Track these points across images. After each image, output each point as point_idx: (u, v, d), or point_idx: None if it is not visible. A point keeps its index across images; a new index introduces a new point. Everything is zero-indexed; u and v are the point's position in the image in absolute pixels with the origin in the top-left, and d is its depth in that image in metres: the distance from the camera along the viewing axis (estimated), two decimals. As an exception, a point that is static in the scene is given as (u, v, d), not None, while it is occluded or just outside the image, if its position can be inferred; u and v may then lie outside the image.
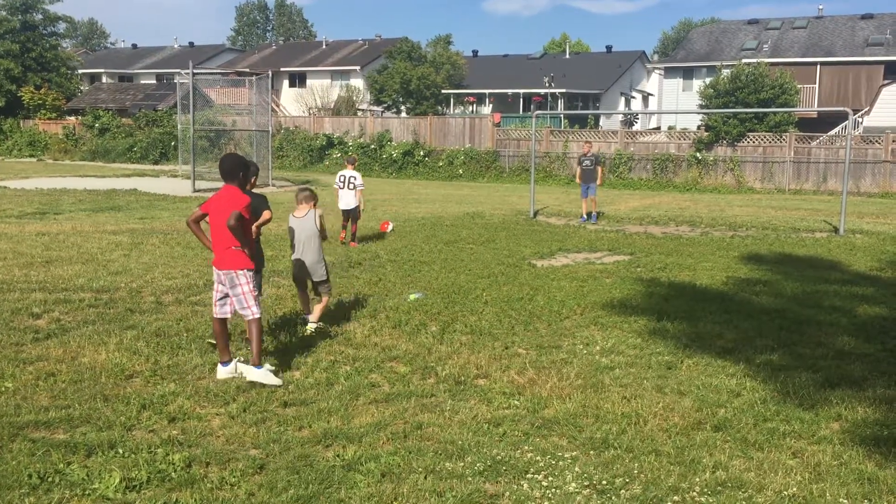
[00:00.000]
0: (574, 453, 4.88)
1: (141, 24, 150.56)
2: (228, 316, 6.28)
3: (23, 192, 21.76)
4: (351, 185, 13.65)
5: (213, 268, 6.27)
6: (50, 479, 4.35)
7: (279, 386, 5.98)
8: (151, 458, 4.62)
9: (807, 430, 5.31)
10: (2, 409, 5.34)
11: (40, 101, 46.40)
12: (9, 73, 45.77)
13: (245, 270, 6.14)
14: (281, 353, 6.83)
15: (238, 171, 6.23)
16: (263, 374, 6.03)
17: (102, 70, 64.83)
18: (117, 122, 43.23)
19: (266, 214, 7.00)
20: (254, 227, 6.61)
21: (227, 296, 6.21)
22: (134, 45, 75.05)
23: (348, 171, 13.82)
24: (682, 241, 14.78)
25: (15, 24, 46.96)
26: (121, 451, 4.74)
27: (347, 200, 13.63)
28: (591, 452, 4.90)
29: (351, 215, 13.68)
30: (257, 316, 6.18)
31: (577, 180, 18.53)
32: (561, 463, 4.73)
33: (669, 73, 46.37)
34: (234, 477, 4.45)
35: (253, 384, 5.97)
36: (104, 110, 44.62)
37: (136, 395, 5.72)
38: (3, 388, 5.77)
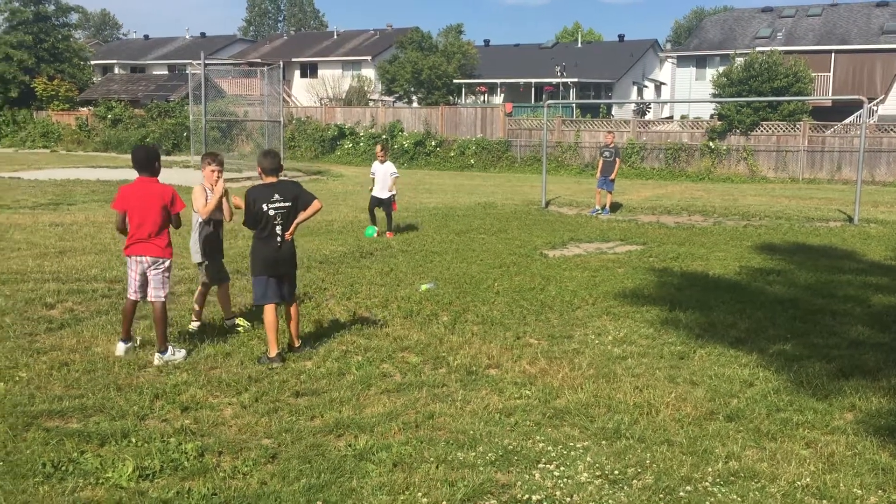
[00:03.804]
0: (586, 443, 4.87)
1: (153, 15, 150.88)
2: (139, 298, 6.52)
3: (36, 183, 21.87)
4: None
5: (130, 255, 6.42)
6: (64, 468, 4.38)
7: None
8: (164, 447, 4.64)
9: (820, 421, 5.27)
10: (16, 399, 5.38)
11: (53, 92, 46.57)
12: (22, 65, 45.95)
13: (168, 259, 6.50)
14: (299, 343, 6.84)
15: (153, 161, 6.51)
16: (166, 358, 6.34)
17: (115, 61, 65.03)
18: (130, 112, 43.34)
19: (316, 204, 6.65)
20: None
21: (146, 280, 6.46)
22: (146, 36, 75.23)
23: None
24: (694, 231, 14.71)
25: (28, 15, 47.12)
26: (134, 440, 4.76)
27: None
28: (603, 442, 4.89)
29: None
30: (164, 299, 6.52)
31: (598, 174, 17.98)
32: (573, 453, 4.72)
33: (682, 61, 46.07)
34: (246, 466, 4.47)
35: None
36: (117, 101, 44.73)
37: (149, 385, 5.74)
38: (17, 378, 5.81)
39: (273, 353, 6.36)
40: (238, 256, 10.54)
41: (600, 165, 17.87)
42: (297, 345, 6.66)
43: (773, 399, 5.65)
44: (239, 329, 7.11)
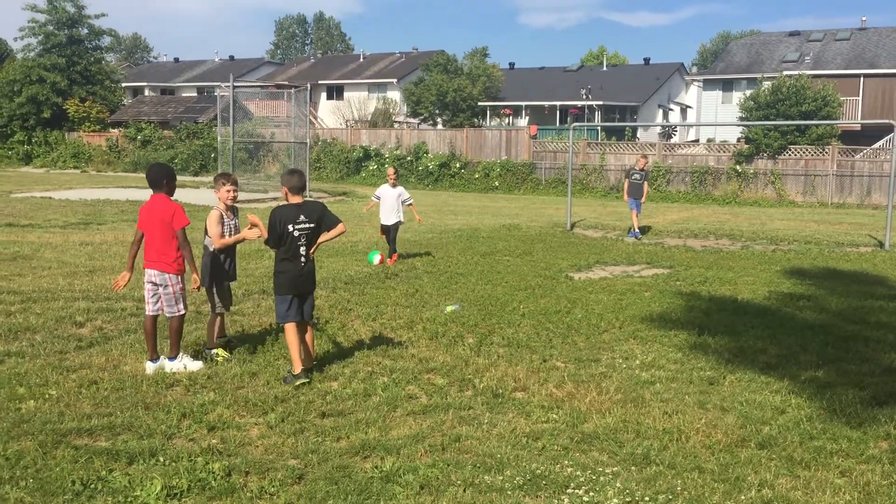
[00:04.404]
0: (615, 468, 4.81)
1: (183, 39, 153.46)
2: (159, 314, 6.66)
3: (67, 203, 22.18)
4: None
5: (146, 270, 6.62)
6: (93, 486, 4.39)
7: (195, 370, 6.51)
8: (192, 467, 4.64)
9: (855, 449, 5.17)
10: (46, 416, 5.42)
11: (85, 114, 47.31)
12: (55, 87, 46.75)
13: (174, 274, 6.58)
14: (318, 364, 6.84)
15: (163, 179, 6.62)
16: (173, 365, 6.57)
17: (145, 83, 66.09)
18: (159, 134, 43.94)
19: (340, 227, 6.73)
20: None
21: (158, 295, 6.61)
22: (176, 59, 76.47)
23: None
24: (722, 255, 14.58)
25: (61, 39, 48.00)
26: (162, 458, 4.77)
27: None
28: (633, 468, 4.82)
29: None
30: (182, 313, 6.69)
31: (625, 196, 17.75)
32: (602, 478, 4.66)
33: (708, 85, 45.96)
34: (273, 486, 4.46)
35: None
36: (146, 123, 45.38)
37: (177, 404, 5.76)
38: (47, 396, 5.85)
39: (298, 369, 6.38)
40: (264, 277, 10.59)
41: (627, 187, 17.65)
42: (309, 365, 6.60)
43: (805, 426, 5.55)
44: (217, 359, 6.96)
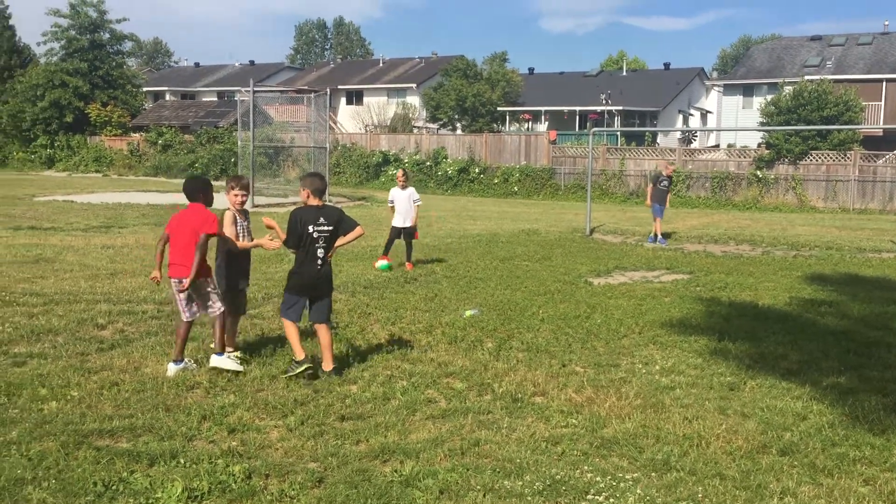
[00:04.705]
0: (635, 474, 4.78)
1: (203, 44, 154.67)
2: (196, 318, 6.77)
3: (89, 207, 22.41)
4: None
5: (172, 279, 6.66)
6: (114, 487, 4.42)
7: (231, 370, 6.54)
8: (212, 469, 4.66)
9: (878, 457, 5.11)
10: (68, 417, 5.47)
11: (106, 118, 47.83)
12: (77, 91, 47.30)
13: (203, 278, 6.65)
14: (337, 367, 6.85)
15: (198, 193, 6.72)
16: (220, 360, 6.59)
17: (166, 88, 66.65)
18: (180, 138, 44.31)
19: (358, 230, 6.84)
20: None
21: (190, 298, 6.65)
22: (196, 64, 77.03)
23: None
24: (742, 261, 14.49)
25: (83, 43, 48.57)
26: (182, 461, 4.79)
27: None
28: (653, 474, 4.79)
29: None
30: (222, 310, 6.73)
31: (648, 201, 17.53)
32: (622, 484, 4.63)
33: (729, 90, 45.71)
34: (293, 489, 4.47)
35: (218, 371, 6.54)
36: (167, 127, 45.79)
37: (197, 406, 5.79)
38: (69, 397, 5.90)
39: (301, 355, 6.49)
40: (284, 281, 10.61)
41: (652, 192, 17.41)
42: (330, 367, 6.64)
43: (828, 433, 5.50)
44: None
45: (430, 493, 4.46)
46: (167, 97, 64.21)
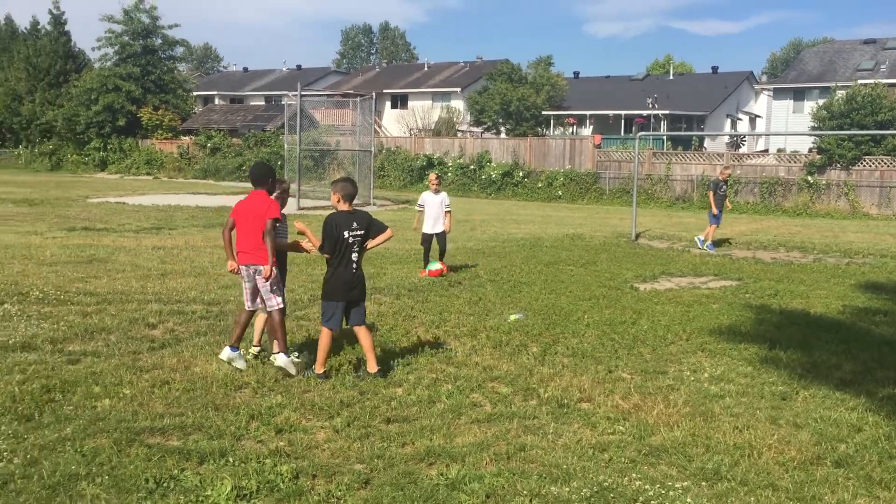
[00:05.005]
0: (685, 483, 4.71)
1: (252, 49, 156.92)
2: (258, 307, 6.94)
3: (140, 208, 22.86)
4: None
5: (241, 266, 6.82)
6: (165, 485, 4.49)
7: (293, 376, 6.59)
8: (260, 468, 4.71)
9: (938, 471, 4.96)
10: (120, 415, 5.57)
11: (158, 122, 48.75)
12: (130, 95, 48.28)
13: (267, 266, 6.68)
14: (382, 369, 6.87)
15: (268, 178, 6.96)
16: (287, 362, 6.63)
17: (215, 92, 67.71)
18: (228, 141, 44.97)
19: (388, 233, 6.95)
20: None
21: (256, 290, 6.80)
22: (245, 69, 78.12)
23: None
24: (793, 268, 14.21)
25: (136, 49, 49.58)
26: (231, 459, 4.85)
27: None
28: (703, 483, 4.71)
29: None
30: (281, 306, 6.81)
31: (714, 210, 16.94)
32: (671, 493, 4.56)
33: (779, 94, 44.93)
34: (339, 490, 4.49)
35: (284, 374, 6.62)
36: (216, 130, 46.49)
37: (245, 406, 5.86)
38: (121, 395, 6.02)
39: (320, 370, 6.66)
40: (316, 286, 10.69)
41: (714, 199, 17.00)
42: (375, 369, 6.70)
43: (884, 445, 5.35)
44: (250, 356, 7.11)
45: (475, 497, 4.45)
46: (216, 101, 65.21)
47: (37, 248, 13.68)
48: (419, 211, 12.52)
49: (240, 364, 6.79)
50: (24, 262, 12.00)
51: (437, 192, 12.44)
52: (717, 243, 17.28)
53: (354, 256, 6.71)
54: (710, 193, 17.34)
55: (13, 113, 53.05)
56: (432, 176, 12.83)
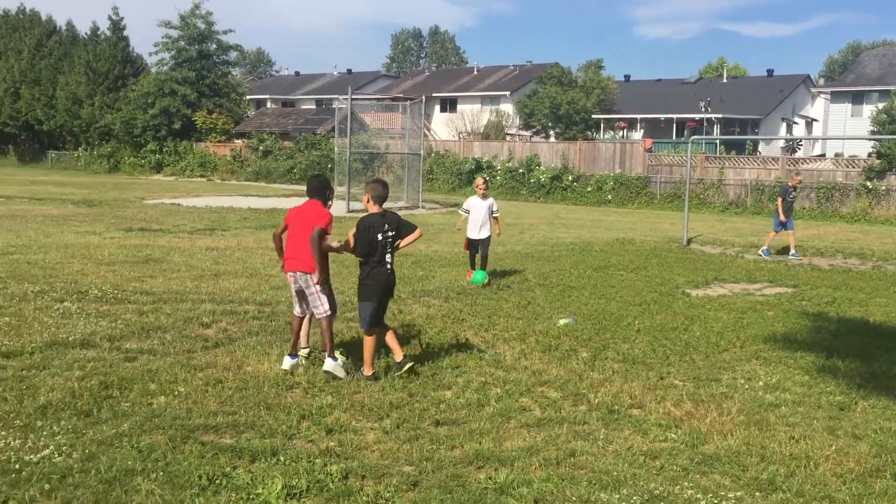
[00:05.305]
0: (738, 493, 4.62)
1: (304, 53, 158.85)
2: (306, 314, 7.03)
3: (194, 210, 23.29)
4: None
5: (287, 273, 6.94)
6: (217, 482, 4.56)
7: (342, 378, 6.63)
8: (311, 468, 4.75)
9: None
10: (175, 412, 5.67)
11: (212, 125, 49.65)
12: (185, 99, 49.26)
13: (314, 273, 6.74)
14: (432, 372, 6.90)
15: (325, 191, 7.10)
16: (334, 366, 6.68)
17: (267, 96, 68.75)
18: (279, 144, 45.58)
19: (417, 233, 7.09)
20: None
21: (303, 295, 6.89)
22: (297, 73, 79.16)
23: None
24: (851, 275, 13.86)
25: (192, 54, 50.58)
26: (282, 458, 4.91)
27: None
28: (757, 494, 4.62)
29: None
30: (328, 313, 6.84)
31: (782, 217, 16.56)
32: (724, 503, 4.48)
33: (836, 97, 43.92)
34: (388, 492, 4.51)
35: (334, 377, 6.64)
36: (268, 134, 47.15)
37: (296, 406, 5.92)
38: (176, 392, 6.13)
39: (369, 371, 6.72)
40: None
41: (783, 206, 16.63)
42: (400, 358, 6.79)
43: (948, 459, 5.18)
44: (302, 359, 7.12)
45: (524, 501, 4.43)
46: (268, 105, 66.19)
47: (95, 247, 14.02)
48: (463, 215, 12.24)
49: (298, 369, 6.85)
50: (83, 262, 12.31)
51: (484, 197, 12.08)
52: (782, 251, 16.74)
53: (388, 258, 6.84)
54: (780, 200, 16.96)
55: (73, 116, 54.48)
56: (479, 181, 12.44)
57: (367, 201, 6.87)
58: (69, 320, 8.37)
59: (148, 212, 22.25)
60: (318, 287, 6.80)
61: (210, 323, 8.54)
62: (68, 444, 5.01)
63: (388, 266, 6.84)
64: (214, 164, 47.22)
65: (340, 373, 6.71)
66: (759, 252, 16.44)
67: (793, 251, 16.47)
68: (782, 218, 16.70)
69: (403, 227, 6.94)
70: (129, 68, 55.28)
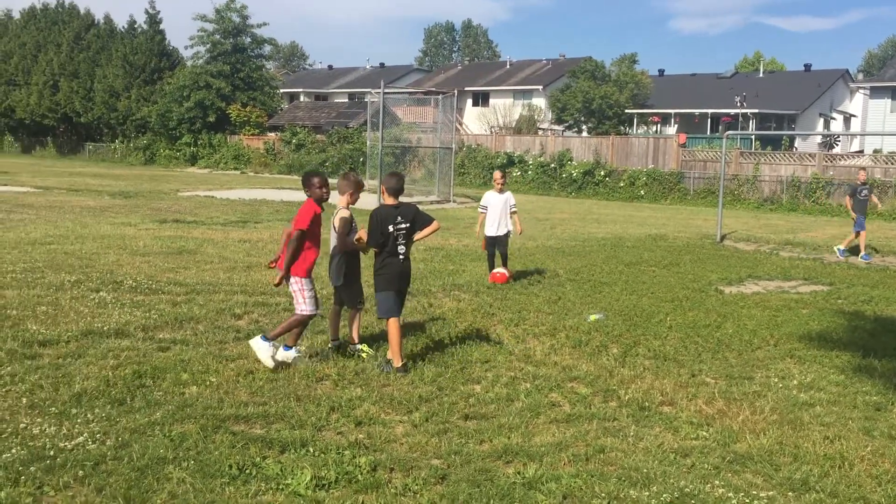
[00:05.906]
0: (770, 493, 4.56)
1: (337, 47, 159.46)
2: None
3: (228, 202, 23.51)
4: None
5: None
6: (248, 471, 4.60)
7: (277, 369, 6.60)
8: (339, 459, 4.78)
9: None
10: (207, 402, 5.73)
11: (245, 118, 50.05)
12: (219, 92, 49.70)
13: (299, 277, 6.73)
14: (461, 366, 6.89)
15: (303, 186, 6.95)
16: (286, 354, 6.77)
17: (301, 89, 69.14)
18: (312, 138, 45.82)
19: (434, 225, 7.02)
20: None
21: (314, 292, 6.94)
22: (330, 67, 79.48)
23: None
24: (889, 273, 13.61)
25: (227, 47, 51.02)
26: (311, 449, 4.94)
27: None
28: (790, 493, 4.56)
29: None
30: (304, 313, 6.80)
31: (853, 214, 16.22)
32: (756, 502, 4.42)
33: (876, 92, 43.07)
34: (416, 485, 4.52)
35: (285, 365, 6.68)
36: (301, 127, 47.43)
37: (326, 398, 5.95)
38: (208, 382, 6.19)
39: (398, 363, 6.71)
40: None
41: (853, 204, 16.25)
42: (400, 363, 6.73)
43: None
44: (363, 355, 7.11)
45: (553, 497, 4.41)
46: (301, 98, 66.54)
47: (131, 238, 14.21)
48: (481, 213, 11.68)
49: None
50: (118, 252, 12.49)
51: (501, 191, 11.54)
52: (853, 250, 16.18)
53: (401, 249, 6.88)
54: (848, 199, 16.59)
55: (110, 109, 55.22)
56: (497, 174, 11.72)
57: (384, 193, 6.99)
58: (104, 310, 8.49)
59: (182, 204, 22.50)
60: (296, 286, 6.73)
61: (242, 314, 8.61)
62: (102, 432, 5.08)
63: (401, 256, 6.89)
64: (248, 157, 47.60)
65: (282, 356, 6.72)
66: (860, 258, 15.59)
67: (841, 247, 16.10)
68: (853, 216, 16.27)
69: (419, 220, 6.98)
70: (164, 61, 55.90)
